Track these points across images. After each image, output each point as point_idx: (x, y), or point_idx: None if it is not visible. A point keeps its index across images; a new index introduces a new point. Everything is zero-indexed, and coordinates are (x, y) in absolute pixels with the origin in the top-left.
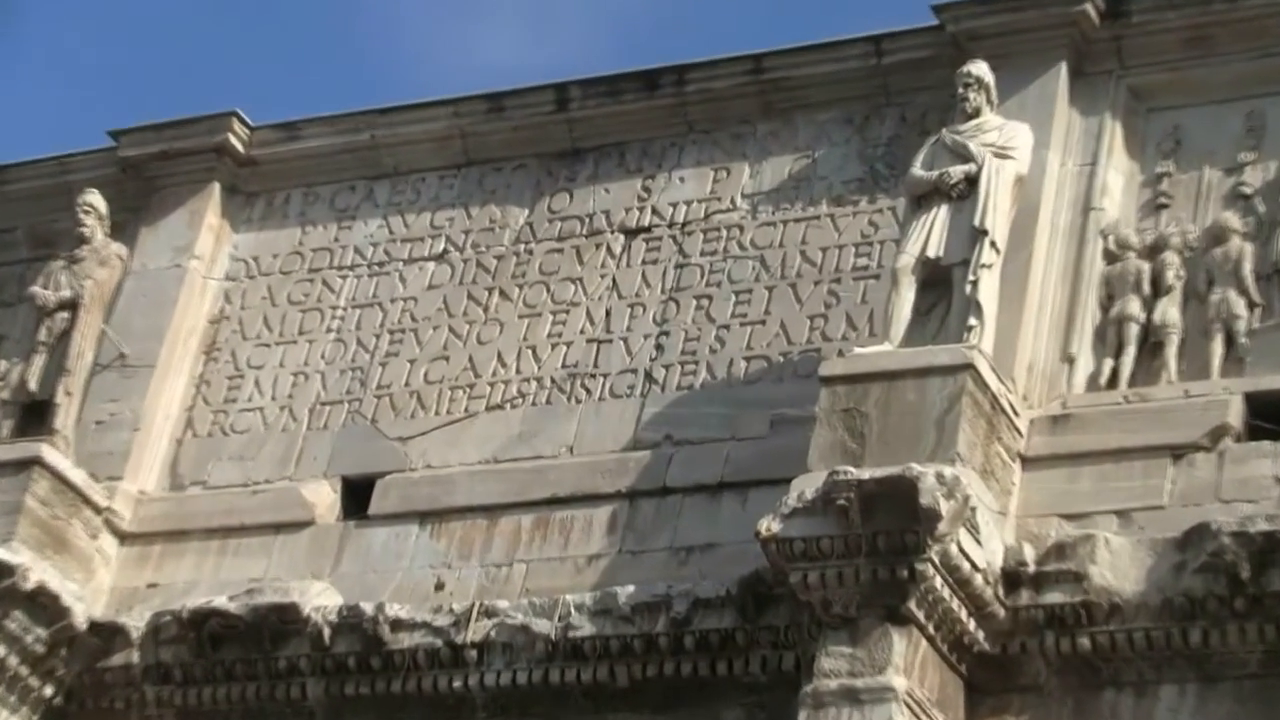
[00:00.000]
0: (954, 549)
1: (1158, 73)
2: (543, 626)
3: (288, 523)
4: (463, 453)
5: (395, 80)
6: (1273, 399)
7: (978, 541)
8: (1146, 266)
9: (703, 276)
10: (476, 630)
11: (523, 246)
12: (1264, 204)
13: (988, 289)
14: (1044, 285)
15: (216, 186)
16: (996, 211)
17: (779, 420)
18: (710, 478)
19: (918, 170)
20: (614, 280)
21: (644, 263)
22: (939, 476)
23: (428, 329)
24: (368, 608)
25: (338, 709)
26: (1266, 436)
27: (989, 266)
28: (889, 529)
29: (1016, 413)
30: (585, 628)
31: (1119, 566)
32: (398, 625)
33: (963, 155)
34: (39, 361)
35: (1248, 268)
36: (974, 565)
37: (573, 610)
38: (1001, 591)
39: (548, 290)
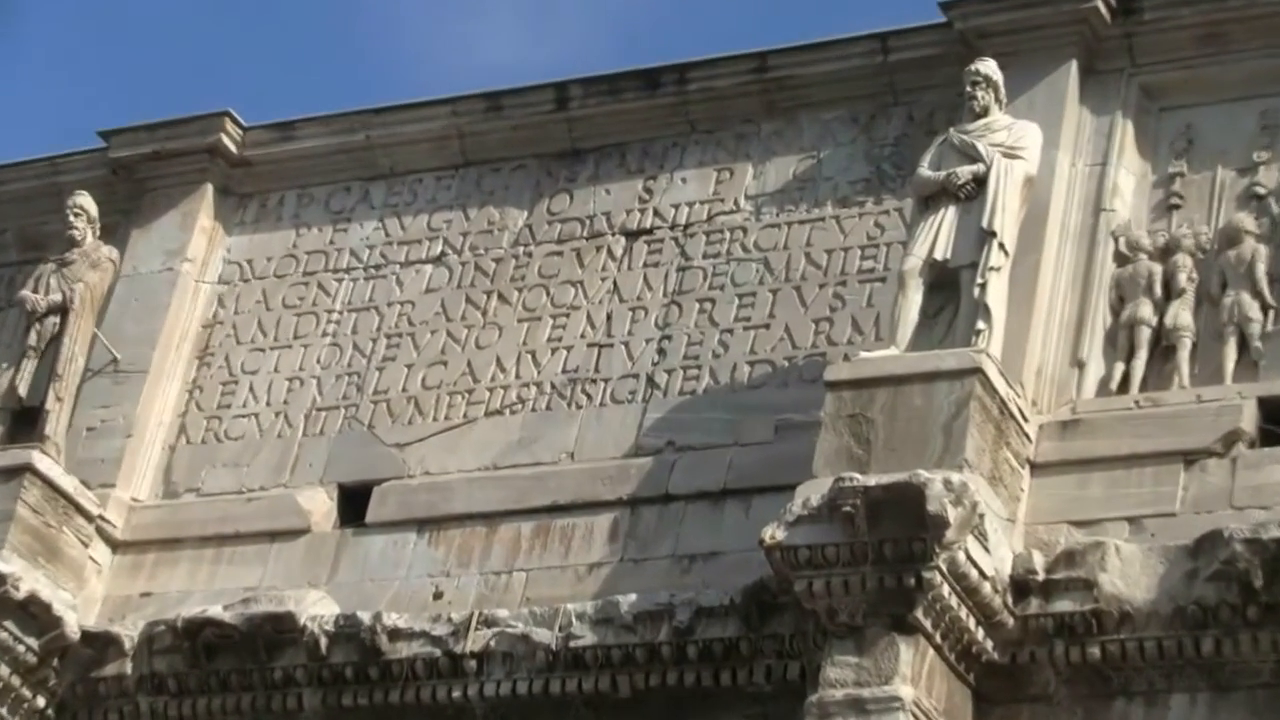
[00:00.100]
0: (962, 557)
1: (1170, 71)
2: (543, 636)
3: (283, 531)
4: (461, 459)
5: (394, 80)
6: None
7: (986, 549)
8: (1158, 269)
9: (705, 279)
10: (476, 640)
11: (522, 249)
12: (1278, 205)
13: (996, 292)
14: (1054, 288)
15: (209, 188)
16: (1005, 213)
17: (783, 426)
18: (713, 484)
19: (925, 170)
20: (615, 283)
21: (645, 265)
22: (946, 483)
23: (425, 333)
24: (365, 617)
25: None
26: None
27: (997, 269)
28: (896, 536)
29: (1025, 418)
30: (587, 637)
31: (1130, 574)
32: (396, 635)
33: (971, 155)
34: (29, 367)
35: (1262, 270)
36: (982, 573)
37: (574, 619)
38: (1010, 600)
39: (547, 293)
